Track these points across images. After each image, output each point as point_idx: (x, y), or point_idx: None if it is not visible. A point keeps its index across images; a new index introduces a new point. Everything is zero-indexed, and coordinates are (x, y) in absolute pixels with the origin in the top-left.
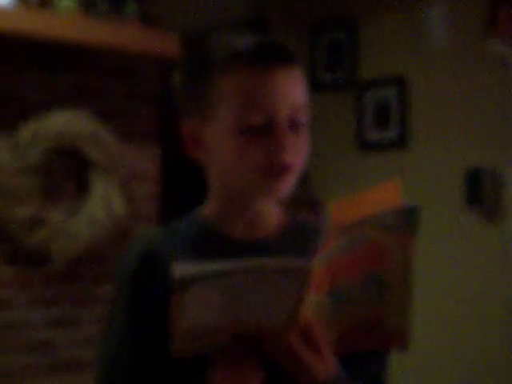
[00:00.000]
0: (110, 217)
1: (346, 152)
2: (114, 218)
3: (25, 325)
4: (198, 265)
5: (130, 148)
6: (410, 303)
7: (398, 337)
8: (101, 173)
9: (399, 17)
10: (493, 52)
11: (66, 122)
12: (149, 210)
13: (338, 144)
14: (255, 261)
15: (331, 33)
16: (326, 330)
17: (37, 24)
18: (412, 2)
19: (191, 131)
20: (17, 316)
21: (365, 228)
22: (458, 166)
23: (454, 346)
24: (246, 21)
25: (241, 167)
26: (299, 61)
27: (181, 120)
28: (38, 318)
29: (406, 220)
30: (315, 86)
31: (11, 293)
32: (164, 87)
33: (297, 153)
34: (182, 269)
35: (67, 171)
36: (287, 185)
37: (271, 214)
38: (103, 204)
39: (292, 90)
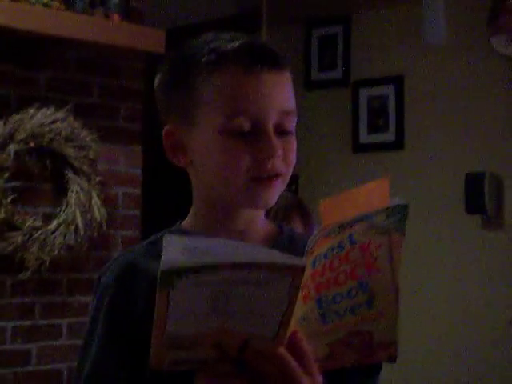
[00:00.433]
0: (88, 222)
1: (341, 153)
2: (92, 224)
3: None
4: (187, 258)
5: (111, 148)
6: (398, 312)
7: (387, 348)
8: (79, 175)
9: (395, 13)
10: (495, 49)
11: (42, 121)
12: (131, 215)
13: (332, 145)
14: (248, 255)
15: (325, 30)
16: (314, 345)
17: (15, 18)
18: None
19: (174, 136)
20: None
21: (353, 229)
22: (457, 169)
23: (454, 354)
24: (237, 17)
25: (227, 171)
26: (288, 64)
27: (162, 124)
28: (10, 329)
29: (395, 219)
30: (308, 84)
31: None
32: (148, 84)
33: (284, 160)
34: (169, 261)
35: (43, 173)
36: (275, 193)
37: (259, 225)
38: (81, 208)
39: (280, 95)
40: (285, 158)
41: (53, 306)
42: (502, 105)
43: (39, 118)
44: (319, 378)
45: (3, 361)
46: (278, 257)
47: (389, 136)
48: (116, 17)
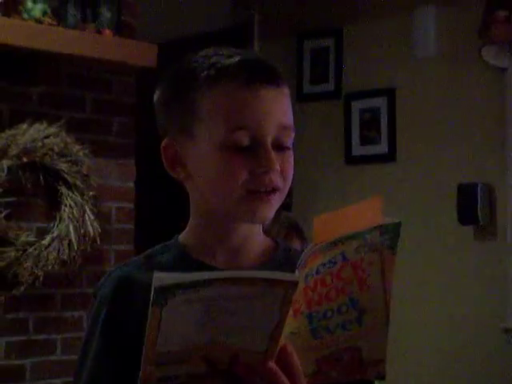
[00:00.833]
0: (81, 237)
1: (333, 166)
2: (86, 238)
3: None
4: (179, 274)
5: (104, 163)
6: (387, 330)
7: (375, 365)
8: (72, 190)
9: (386, 26)
10: (486, 60)
11: (35, 137)
12: (124, 229)
13: (325, 157)
14: (239, 272)
15: (316, 43)
16: (303, 359)
17: (7, 34)
18: (399, 11)
19: (172, 149)
20: None
21: (345, 246)
22: (450, 180)
23: (448, 363)
24: (229, 30)
25: (224, 185)
26: (285, 80)
27: (161, 138)
28: (4, 344)
29: (387, 237)
30: (301, 97)
31: None
32: (140, 98)
33: (282, 175)
34: (161, 277)
35: (36, 188)
36: (272, 208)
37: (256, 240)
38: (75, 223)
39: (279, 110)
40: (282, 173)
41: (47, 321)
42: (493, 115)
43: (32, 134)
44: None
45: None
46: (270, 273)
47: (381, 148)
48: (108, 32)
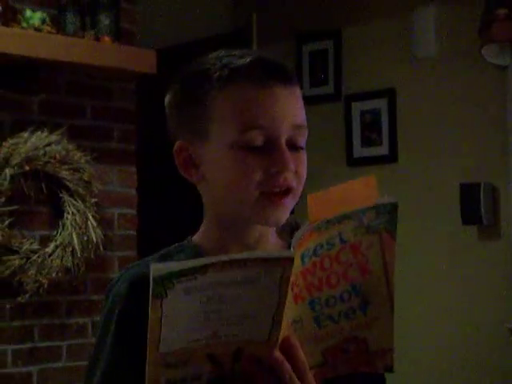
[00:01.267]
0: (85, 244)
1: (335, 167)
2: (89, 245)
3: None
4: (176, 263)
5: (106, 169)
6: (393, 318)
7: (383, 357)
8: (75, 197)
9: (385, 26)
10: (486, 59)
11: (36, 145)
12: (127, 235)
13: (326, 159)
14: (234, 255)
15: (315, 45)
16: (308, 350)
17: (6, 42)
18: (399, 11)
19: (186, 151)
20: None
21: (342, 226)
22: (452, 180)
23: (452, 363)
24: (227, 34)
25: (238, 186)
26: (298, 79)
27: (172, 141)
28: (11, 352)
29: (385, 218)
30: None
31: None
32: (141, 105)
33: (296, 175)
34: (159, 267)
35: (39, 196)
36: (286, 210)
37: (269, 242)
38: (78, 230)
39: (292, 109)
40: (296, 173)
41: (52, 328)
42: (494, 114)
43: (33, 142)
44: None
45: None
46: (265, 252)
47: (382, 149)
48: (107, 39)
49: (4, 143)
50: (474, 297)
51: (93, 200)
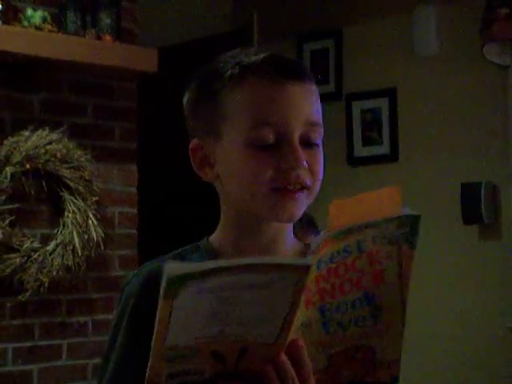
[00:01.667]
0: (85, 242)
1: (335, 166)
2: (90, 244)
3: None
4: (190, 264)
5: (107, 168)
6: (403, 329)
7: (389, 367)
8: (75, 196)
9: (386, 25)
10: (488, 58)
11: (37, 143)
12: (127, 234)
13: (327, 158)
14: (250, 259)
15: (316, 44)
16: (313, 354)
17: (7, 41)
18: (399, 10)
19: (201, 150)
20: None
21: (361, 235)
22: (453, 180)
23: (453, 361)
24: (228, 33)
25: (250, 182)
26: (313, 76)
27: (190, 139)
28: (11, 350)
29: (406, 230)
30: None
31: None
32: (142, 103)
33: (310, 172)
34: (173, 267)
35: (40, 195)
36: (299, 206)
37: (286, 243)
38: (78, 229)
39: (305, 106)
40: (311, 170)
41: (52, 326)
42: (496, 113)
43: (34, 140)
44: None
45: (5, 382)
46: (281, 258)
47: (383, 148)
48: (108, 37)
49: (5, 141)
50: (474, 296)
51: (93, 198)
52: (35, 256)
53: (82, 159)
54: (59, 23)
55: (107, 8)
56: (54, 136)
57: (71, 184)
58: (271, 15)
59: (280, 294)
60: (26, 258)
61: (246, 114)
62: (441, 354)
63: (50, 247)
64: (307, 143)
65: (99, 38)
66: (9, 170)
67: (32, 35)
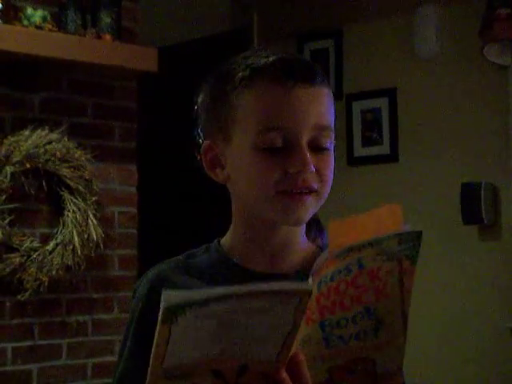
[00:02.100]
0: (85, 242)
1: (336, 167)
2: (89, 243)
3: None
4: (189, 292)
5: (106, 168)
6: (405, 343)
7: (390, 379)
8: (75, 195)
9: (386, 25)
10: (488, 59)
11: (37, 143)
12: (127, 234)
13: None
14: (250, 286)
15: (316, 44)
16: (314, 368)
17: (7, 40)
18: (400, 10)
19: (212, 151)
20: None
21: (362, 253)
22: (453, 180)
23: (451, 362)
24: (228, 33)
25: (257, 185)
26: (325, 79)
27: (203, 141)
28: (11, 350)
29: (407, 246)
30: None
31: None
32: (142, 103)
33: (319, 176)
34: (171, 296)
35: (40, 194)
36: (307, 209)
37: (297, 245)
38: (78, 228)
39: (315, 110)
40: (319, 175)
41: (52, 326)
42: (496, 114)
43: (34, 140)
44: None
45: (5, 382)
46: (282, 284)
47: (383, 148)
48: (108, 37)
49: (5, 141)
50: (475, 296)
51: (93, 198)
52: (35, 255)
53: (82, 159)
54: (59, 22)
55: (107, 7)
56: (54, 135)
57: (71, 183)
58: (271, 15)
59: (281, 316)
60: (25, 257)
61: (254, 117)
62: (440, 353)
63: (50, 247)
64: (316, 147)
65: (99, 37)
66: (9, 169)
67: (32, 34)
